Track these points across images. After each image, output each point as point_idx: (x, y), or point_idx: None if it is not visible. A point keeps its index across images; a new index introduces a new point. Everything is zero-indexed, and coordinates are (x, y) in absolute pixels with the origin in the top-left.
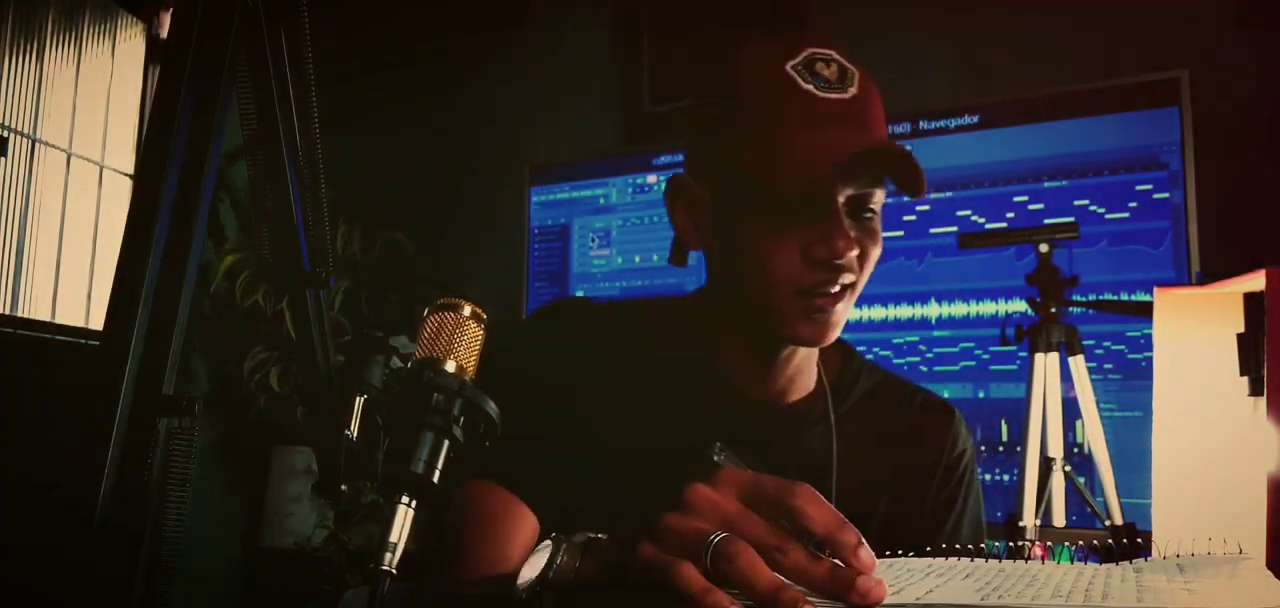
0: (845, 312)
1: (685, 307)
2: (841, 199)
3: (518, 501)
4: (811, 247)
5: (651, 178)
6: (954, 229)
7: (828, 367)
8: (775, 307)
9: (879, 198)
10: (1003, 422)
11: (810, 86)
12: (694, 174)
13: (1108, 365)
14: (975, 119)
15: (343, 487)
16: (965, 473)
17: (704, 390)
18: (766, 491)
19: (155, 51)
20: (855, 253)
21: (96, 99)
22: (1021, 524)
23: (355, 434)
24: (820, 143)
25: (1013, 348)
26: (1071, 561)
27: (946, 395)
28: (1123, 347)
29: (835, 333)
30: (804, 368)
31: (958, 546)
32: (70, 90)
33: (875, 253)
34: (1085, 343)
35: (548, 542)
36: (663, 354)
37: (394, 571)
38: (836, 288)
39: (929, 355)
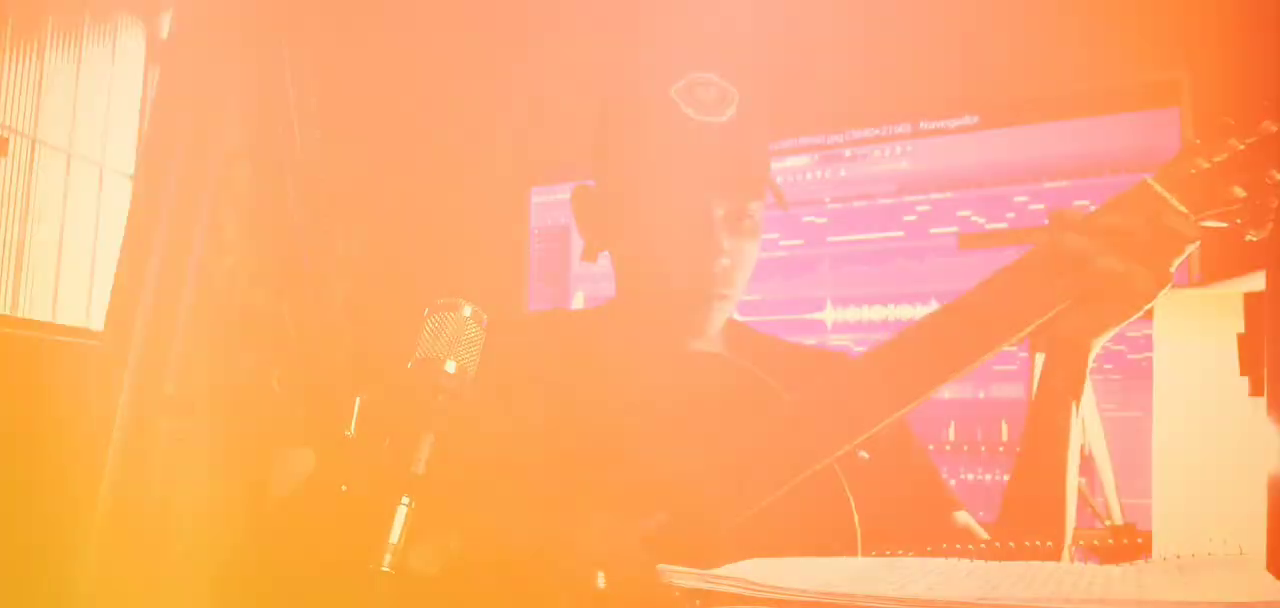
0: (723, 311)
1: (605, 310)
2: (719, 213)
3: None
4: (682, 251)
5: None
6: (954, 229)
7: (728, 344)
8: (655, 306)
9: (755, 206)
10: (1003, 422)
11: (688, 110)
12: (596, 183)
13: (1108, 366)
14: (975, 119)
15: (343, 487)
16: None
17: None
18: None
19: (155, 51)
20: (725, 262)
21: (96, 99)
22: None
23: (355, 434)
24: (688, 163)
25: (1013, 348)
26: (1071, 561)
27: (945, 396)
28: (1123, 347)
29: (712, 329)
30: (707, 351)
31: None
32: (70, 90)
33: (751, 251)
34: None
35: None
36: (576, 355)
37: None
38: (711, 291)
39: None
